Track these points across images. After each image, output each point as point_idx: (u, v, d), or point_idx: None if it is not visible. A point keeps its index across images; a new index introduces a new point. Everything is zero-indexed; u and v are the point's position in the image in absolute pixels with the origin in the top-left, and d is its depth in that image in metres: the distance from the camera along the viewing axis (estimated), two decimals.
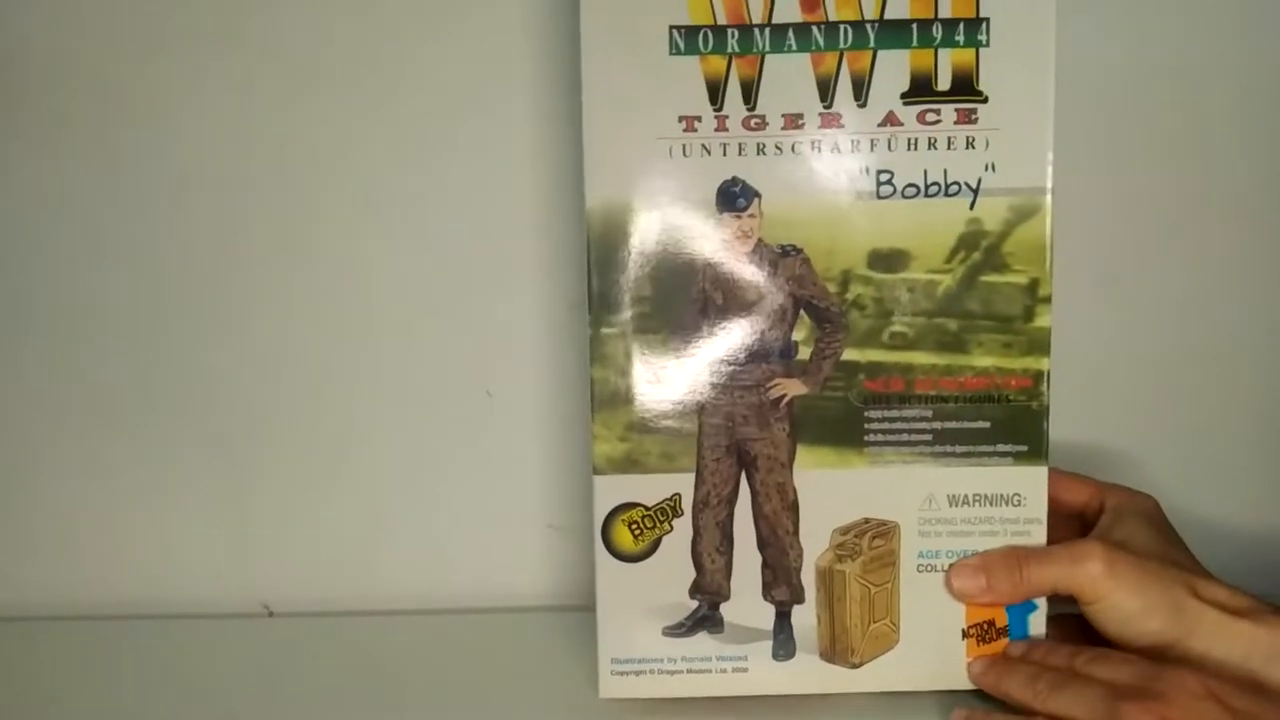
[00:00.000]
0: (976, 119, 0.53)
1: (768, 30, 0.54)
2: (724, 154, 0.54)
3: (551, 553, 0.68)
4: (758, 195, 0.54)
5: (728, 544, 0.55)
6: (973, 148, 0.53)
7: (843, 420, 0.55)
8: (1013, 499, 0.55)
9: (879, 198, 0.54)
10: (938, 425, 0.55)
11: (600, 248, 0.54)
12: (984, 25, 0.53)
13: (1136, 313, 0.66)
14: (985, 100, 0.53)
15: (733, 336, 0.54)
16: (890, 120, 0.54)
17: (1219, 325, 0.66)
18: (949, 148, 0.54)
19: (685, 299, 0.54)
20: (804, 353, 0.54)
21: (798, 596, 0.55)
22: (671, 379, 0.55)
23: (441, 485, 0.68)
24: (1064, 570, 0.53)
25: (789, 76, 0.54)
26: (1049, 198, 0.53)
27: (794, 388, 0.55)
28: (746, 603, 0.55)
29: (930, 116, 0.54)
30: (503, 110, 0.65)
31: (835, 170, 0.54)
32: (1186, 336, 0.67)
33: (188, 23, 0.65)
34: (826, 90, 0.54)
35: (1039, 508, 0.55)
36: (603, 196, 0.54)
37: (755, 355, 0.55)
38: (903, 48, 0.54)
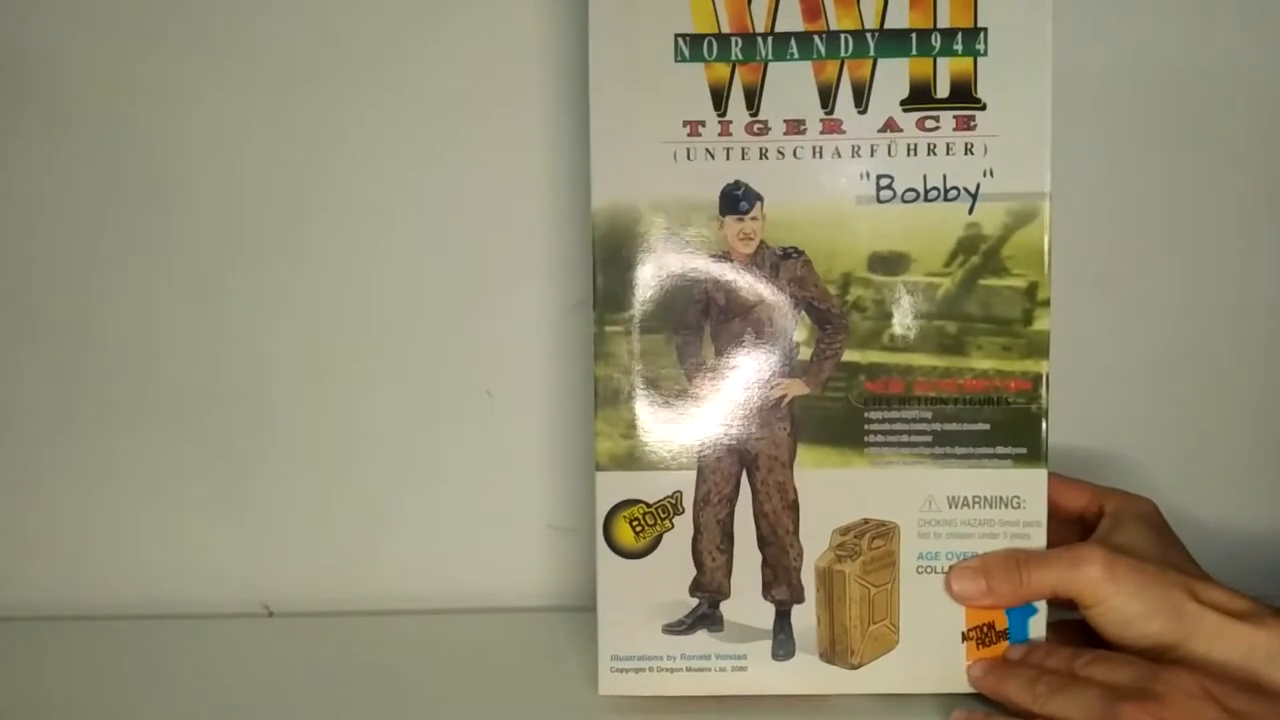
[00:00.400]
0: (975, 126, 0.54)
1: (770, 39, 0.55)
2: (727, 158, 0.55)
3: (551, 553, 0.68)
4: (760, 199, 0.55)
5: (728, 542, 0.56)
6: (971, 154, 0.54)
7: (843, 421, 0.55)
8: (1012, 501, 0.55)
9: (879, 202, 0.55)
10: (937, 427, 0.55)
11: (605, 248, 0.55)
12: (982, 35, 0.54)
13: (1135, 315, 0.67)
14: (983, 107, 0.54)
15: (734, 336, 0.55)
16: (890, 126, 0.55)
17: (1218, 327, 0.67)
18: (948, 153, 0.54)
19: (688, 299, 0.55)
20: (805, 353, 0.55)
21: (797, 596, 0.56)
22: (673, 377, 0.55)
23: (441, 485, 0.68)
24: (1063, 574, 0.53)
25: (791, 83, 0.55)
26: (1047, 202, 0.54)
27: (795, 388, 0.55)
28: (746, 601, 0.56)
29: (929, 123, 0.54)
30: (506, 113, 0.66)
31: (836, 175, 0.55)
32: (1186, 339, 0.67)
33: (189, 22, 0.66)
34: (828, 97, 0.55)
35: (1039, 510, 0.55)
36: (608, 198, 0.55)
37: (756, 355, 0.55)
38: (902, 56, 0.54)
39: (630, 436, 0.55)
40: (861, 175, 0.55)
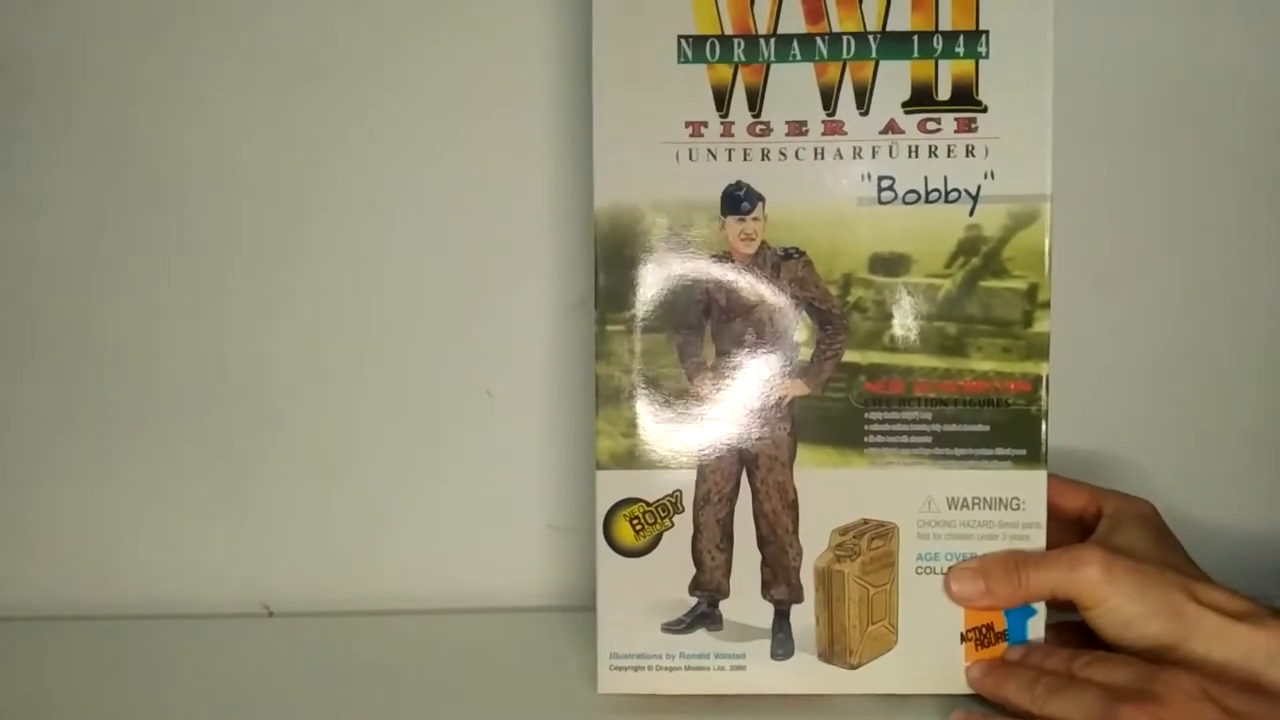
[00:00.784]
0: (976, 128, 0.55)
1: (773, 40, 0.55)
2: (729, 159, 0.55)
3: (551, 553, 0.68)
4: (762, 199, 0.55)
5: (728, 541, 0.56)
6: (972, 156, 0.55)
7: (843, 421, 0.55)
8: (1011, 503, 0.55)
9: (880, 203, 0.55)
10: (937, 428, 0.55)
11: (607, 247, 0.55)
12: (984, 37, 0.54)
13: (1135, 316, 0.67)
14: (985, 110, 0.54)
15: (735, 336, 0.55)
16: (892, 128, 0.55)
17: (1218, 327, 0.67)
18: (949, 156, 0.55)
19: (689, 299, 0.55)
20: (805, 354, 0.55)
21: (796, 596, 0.56)
22: (674, 376, 0.55)
23: (441, 485, 0.68)
24: (1062, 575, 0.53)
25: (793, 85, 0.55)
26: (1048, 205, 0.54)
27: (795, 388, 0.55)
28: (745, 601, 0.56)
29: (931, 125, 0.55)
30: (508, 112, 0.66)
31: (838, 176, 0.55)
32: (1186, 339, 0.67)
33: (190, 22, 0.66)
34: (830, 99, 0.55)
35: (1038, 512, 0.55)
36: (610, 197, 0.55)
37: (757, 355, 0.55)
38: (904, 58, 0.55)
39: (631, 435, 0.55)
40: (863, 176, 0.55)
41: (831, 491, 0.55)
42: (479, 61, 0.66)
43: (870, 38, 0.55)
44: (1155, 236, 0.67)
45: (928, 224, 0.55)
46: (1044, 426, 0.55)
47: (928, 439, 0.55)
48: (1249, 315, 0.67)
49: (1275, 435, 0.68)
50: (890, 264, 0.55)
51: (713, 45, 0.55)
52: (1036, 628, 0.55)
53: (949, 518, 0.55)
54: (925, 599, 0.55)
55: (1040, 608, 0.55)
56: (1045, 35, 0.54)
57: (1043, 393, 0.55)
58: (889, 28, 0.55)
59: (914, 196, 0.55)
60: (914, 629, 0.56)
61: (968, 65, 0.55)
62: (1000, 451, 0.55)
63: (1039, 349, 0.55)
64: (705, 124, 0.55)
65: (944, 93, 0.55)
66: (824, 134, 0.55)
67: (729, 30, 0.55)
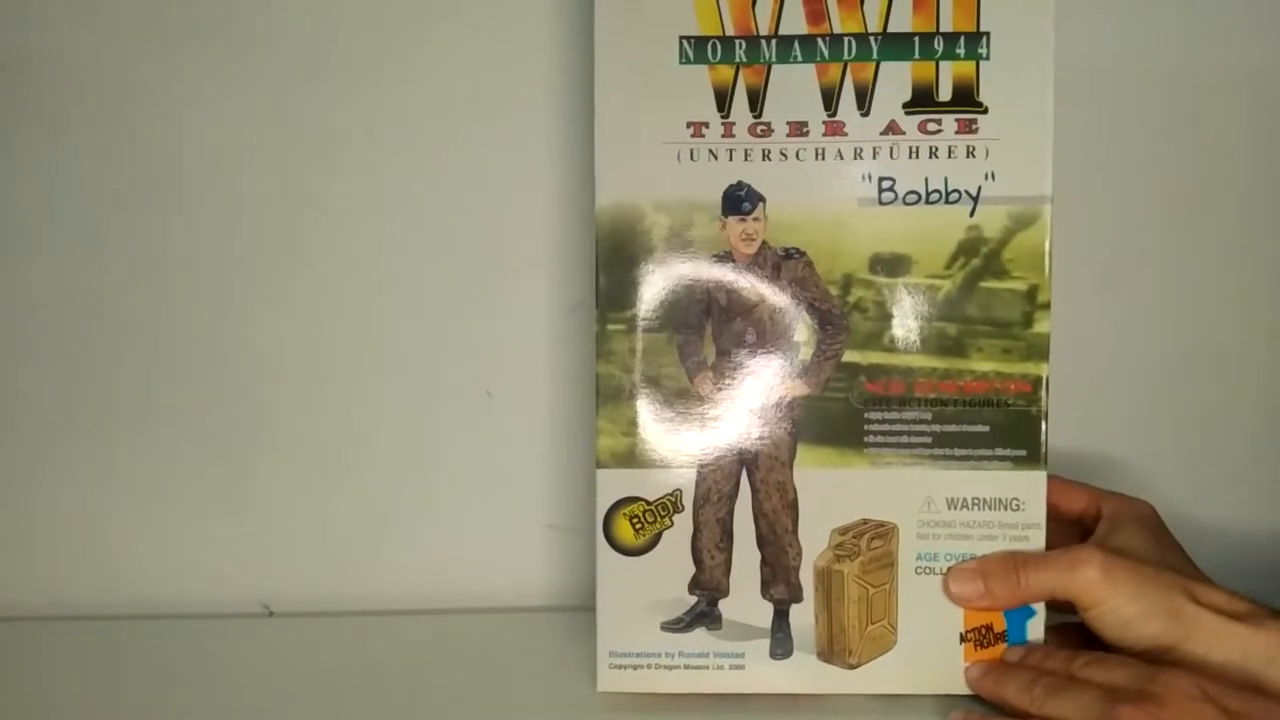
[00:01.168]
0: (977, 129, 0.55)
1: (774, 41, 0.55)
2: (730, 159, 0.55)
3: (551, 553, 0.68)
4: (762, 199, 0.55)
5: (727, 540, 0.56)
6: (973, 157, 0.55)
7: (843, 421, 0.55)
8: (1011, 503, 0.55)
9: (881, 204, 0.55)
10: (937, 428, 0.55)
11: (608, 246, 0.55)
12: (984, 39, 0.55)
13: (1136, 317, 0.67)
14: (985, 111, 0.55)
15: (735, 336, 0.55)
16: (892, 129, 0.55)
17: (1218, 328, 0.67)
18: (950, 157, 0.55)
19: (689, 298, 0.55)
20: (805, 354, 0.55)
21: (796, 595, 0.56)
22: (674, 376, 0.55)
23: (442, 485, 0.68)
24: (1061, 576, 0.53)
25: (794, 86, 0.55)
26: (1048, 206, 0.54)
27: (795, 388, 0.55)
28: (745, 600, 0.56)
29: (931, 126, 0.55)
30: (510, 112, 0.66)
31: (838, 176, 0.55)
32: (1186, 340, 0.67)
33: (190, 21, 0.66)
34: (830, 99, 0.55)
35: (1038, 513, 0.55)
36: (612, 197, 0.55)
37: (757, 355, 0.55)
38: (905, 59, 0.55)
39: (631, 434, 0.55)
40: (863, 177, 0.55)
41: (831, 491, 0.55)
42: (481, 61, 0.66)
43: (871, 39, 0.55)
44: (1155, 237, 0.67)
45: (928, 225, 0.55)
46: (1044, 427, 0.55)
47: (927, 439, 0.55)
48: (1249, 315, 0.67)
49: (1275, 435, 0.68)
50: (890, 264, 0.55)
51: (714, 46, 0.55)
52: (1036, 628, 0.55)
53: (948, 518, 0.55)
54: (925, 599, 0.55)
55: (1039, 608, 0.55)
56: (1046, 37, 0.54)
57: (1043, 393, 0.55)
58: (890, 29, 0.55)
59: (914, 197, 0.55)
60: (913, 629, 0.56)
61: (968, 67, 0.55)
62: (1000, 452, 0.55)
63: (1039, 350, 0.55)
64: (706, 124, 0.55)
65: (945, 94, 0.55)
66: (825, 135, 0.55)
67: (730, 31, 0.55)
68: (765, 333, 0.55)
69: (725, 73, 0.55)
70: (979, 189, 0.55)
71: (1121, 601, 0.52)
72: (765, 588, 0.56)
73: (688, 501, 0.56)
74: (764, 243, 0.55)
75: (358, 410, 0.68)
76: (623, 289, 0.55)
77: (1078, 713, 0.49)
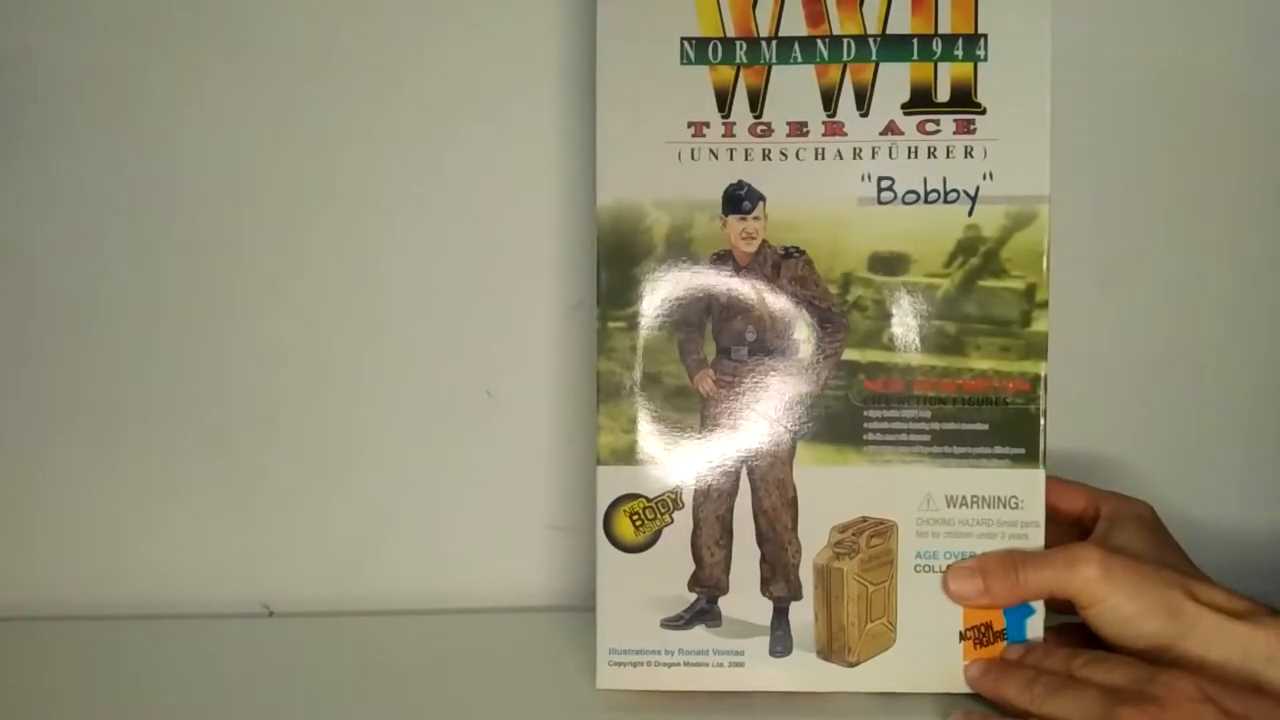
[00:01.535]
0: (975, 129, 0.55)
1: (774, 43, 0.56)
2: (730, 159, 0.56)
3: (551, 553, 0.68)
4: (763, 199, 0.55)
5: (727, 538, 0.56)
6: (971, 157, 0.55)
7: (843, 419, 0.56)
8: (1010, 501, 0.55)
9: (880, 203, 0.55)
10: (936, 426, 0.55)
11: (609, 244, 0.56)
12: (982, 41, 0.55)
13: (1135, 316, 0.67)
14: (983, 112, 0.55)
15: (735, 334, 0.56)
16: (891, 129, 0.55)
17: (1218, 328, 0.67)
18: (948, 157, 0.55)
19: (690, 297, 0.56)
20: (805, 352, 0.56)
21: (795, 593, 0.56)
22: (675, 374, 0.56)
23: (441, 485, 0.68)
24: (1060, 573, 0.53)
25: (794, 86, 0.56)
26: (1046, 206, 0.55)
27: (795, 386, 0.56)
28: (744, 597, 0.56)
29: (930, 126, 0.55)
30: (512, 112, 0.66)
31: (838, 176, 0.55)
32: (1185, 340, 0.67)
33: (192, 21, 0.66)
34: (830, 100, 0.56)
35: (1036, 511, 0.55)
36: (613, 196, 0.56)
37: (757, 353, 0.56)
38: (904, 61, 0.55)
39: (631, 431, 0.56)
40: (863, 177, 0.55)
41: (831, 489, 0.55)
42: (482, 61, 0.66)
43: (870, 40, 0.55)
44: (1153, 236, 0.67)
45: (927, 224, 0.55)
46: (1042, 425, 0.55)
47: (927, 437, 0.55)
48: (1249, 315, 0.67)
49: (1275, 435, 0.68)
50: (890, 263, 0.55)
51: (715, 47, 0.56)
52: (1035, 627, 0.55)
53: (948, 516, 0.55)
54: (924, 597, 0.55)
55: (1039, 607, 0.55)
56: (1043, 38, 0.55)
57: (1041, 392, 0.55)
58: (889, 30, 0.55)
59: (913, 197, 0.55)
60: (913, 627, 0.56)
61: (966, 68, 0.55)
62: (999, 450, 0.55)
63: (1037, 348, 0.55)
64: (707, 124, 0.56)
65: (943, 95, 0.55)
66: (824, 135, 0.55)
67: (731, 32, 0.56)
68: (765, 331, 0.56)
69: (726, 73, 0.56)
70: (977, 189, 0.55)
71: (1121, 599, 0.52)
72: (765, 585, 0.56)
73: (688, 498, 0.56)
74: (764, 242, 0.55)
75: (358, 410, 0.68)
76: (624, 287, 0.56)
77: (1078, 712, 0.49)
